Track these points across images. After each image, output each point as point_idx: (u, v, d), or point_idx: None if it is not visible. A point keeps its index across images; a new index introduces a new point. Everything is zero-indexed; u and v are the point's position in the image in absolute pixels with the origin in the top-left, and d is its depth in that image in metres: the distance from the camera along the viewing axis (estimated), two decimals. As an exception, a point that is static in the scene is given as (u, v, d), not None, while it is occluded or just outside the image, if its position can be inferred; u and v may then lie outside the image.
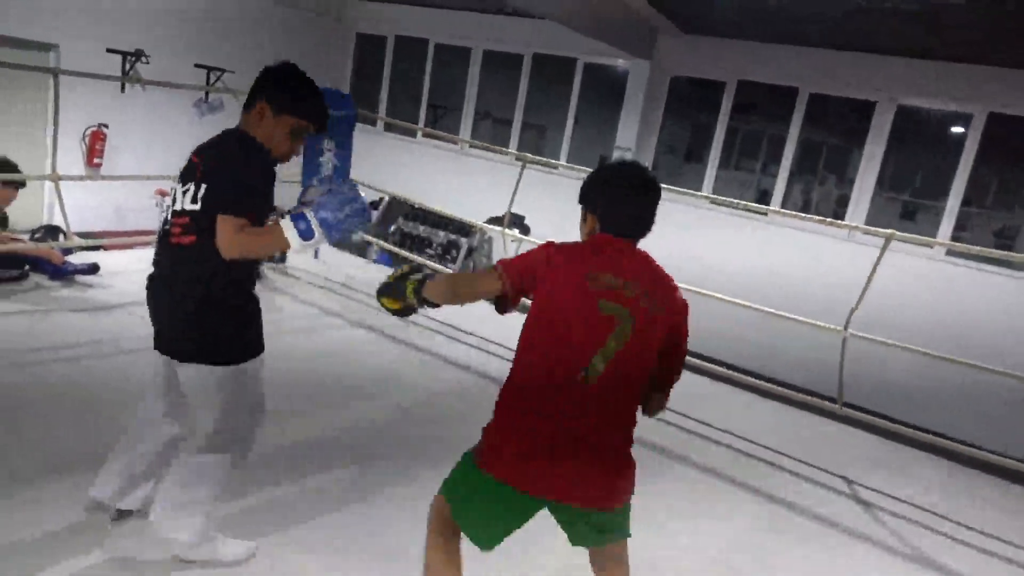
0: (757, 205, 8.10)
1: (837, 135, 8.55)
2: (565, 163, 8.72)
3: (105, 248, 5.83)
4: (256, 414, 2.39)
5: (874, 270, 4.32)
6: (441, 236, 9.42)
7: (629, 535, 1.97)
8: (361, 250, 8.45)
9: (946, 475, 4.27)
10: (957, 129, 7.54)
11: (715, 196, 8.03)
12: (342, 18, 10.71)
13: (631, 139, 8.88)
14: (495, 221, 7.19)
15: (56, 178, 4.89)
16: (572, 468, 1.81)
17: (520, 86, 9.67)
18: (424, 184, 9.00)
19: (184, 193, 2.18)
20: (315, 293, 5.72)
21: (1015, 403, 6.10)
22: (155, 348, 2.32)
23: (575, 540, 1.95)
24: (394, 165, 9.73)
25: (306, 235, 2.07)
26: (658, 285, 1.94)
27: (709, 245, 8.13)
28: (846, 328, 4.38)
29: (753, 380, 4.77)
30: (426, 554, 1.93)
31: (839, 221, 7.60)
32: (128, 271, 5.17)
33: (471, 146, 9.70)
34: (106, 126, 8.22)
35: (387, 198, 9.41)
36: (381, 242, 7.19)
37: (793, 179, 8.43)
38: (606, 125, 9.25)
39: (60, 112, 4.87)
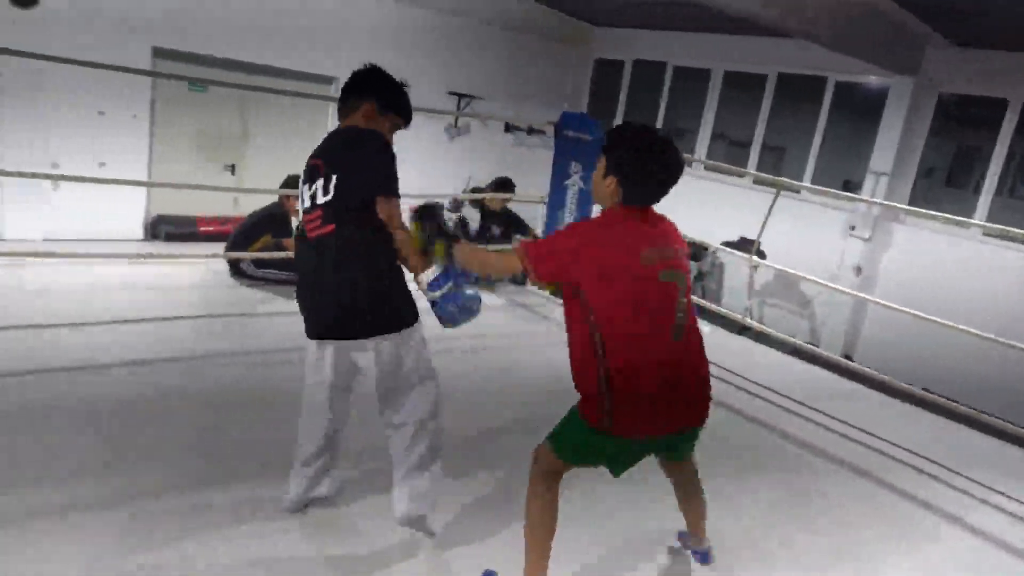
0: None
1: None
2: (810, 185, 8.22)
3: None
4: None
5: None
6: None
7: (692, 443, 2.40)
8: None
9: None
10: None
11: (989, 225, 7.12)
12: (584, 44, 11.01)
13: (888, 161, 8.15)
14: (727, 245, 6.95)
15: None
16: (685, 403, 2.19)
17: (761, 107, 9.30)
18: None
19: (312, 191, 2.36)
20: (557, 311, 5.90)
21: None
22: (322, 338, 2.43)
23: (673, 457, 2.46)
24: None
25: (439, 305, 2.35)
26: (677, 238, 2.28)
27: (976, 278, 7.24)
28: None
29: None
30: (532, 501, 2.24)
31: None
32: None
33: (706, 167, 9.48)
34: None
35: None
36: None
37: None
38: (857, 146, 8.59)
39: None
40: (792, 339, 5.80)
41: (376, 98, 2.45)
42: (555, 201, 5.92)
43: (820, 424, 4.37)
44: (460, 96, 9.65)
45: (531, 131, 9.86)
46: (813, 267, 7.84)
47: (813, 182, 8.65)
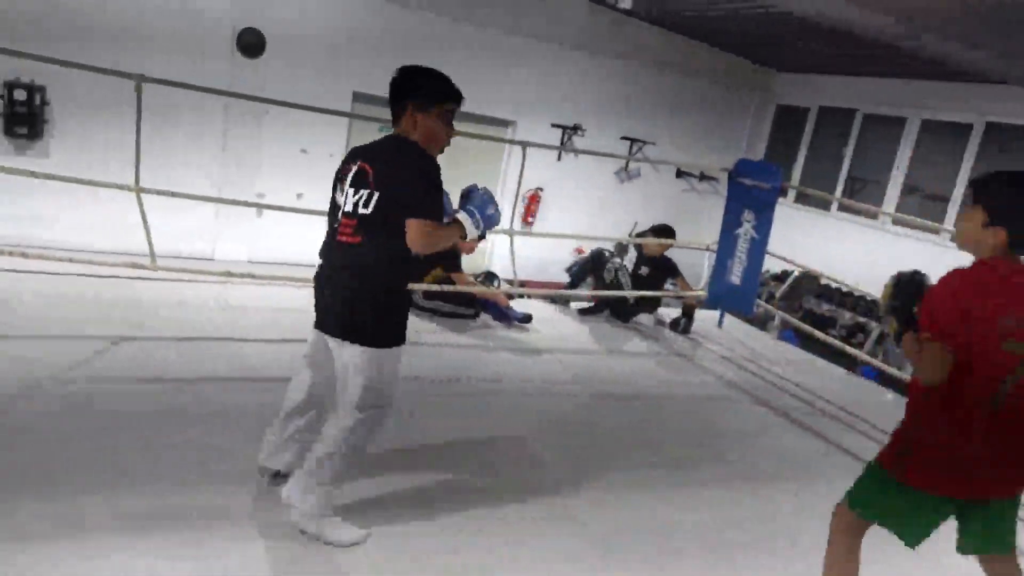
0: None
1: None
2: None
3: (528, 296, 6.55)
4: (386, 406, 2.58)
5: None
6: (847, 317, 8.67)
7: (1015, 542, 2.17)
8: (762, 323, 8.19)
9: None
10: None
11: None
12: (765, 90, 10.70)
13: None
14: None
15: (509, 233, 5.67)
16: (990, 472, 2.07)
17: (964, 157, 8.52)
18: (837, 261, 8.41)
19: (356, 197, 2.44)
20: (719, 364, 5.68)
21: None
22: (316, 328, 2.64)
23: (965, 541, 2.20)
24: (806, 238, 9.26)
25: (477, 225, 2.48)
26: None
27: None
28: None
29: None
30: (834, 558, 2.22)
31: None
32: (541, 318, 5.79)
33: (894, 221, 8.80)
34: (541, 189, 9.37)
35: (796, 272, 8.99)
36: (788, 317, 6.88)
37: None
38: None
39: (508, 176, 5.64)
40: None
41: (413, 98, 2.50)
42: (724, 249, 5.74)
43: None
44: (632, 140, 9.68)
45: (703, 177, 9.69)
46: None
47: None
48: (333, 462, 2.53)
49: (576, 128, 9.33)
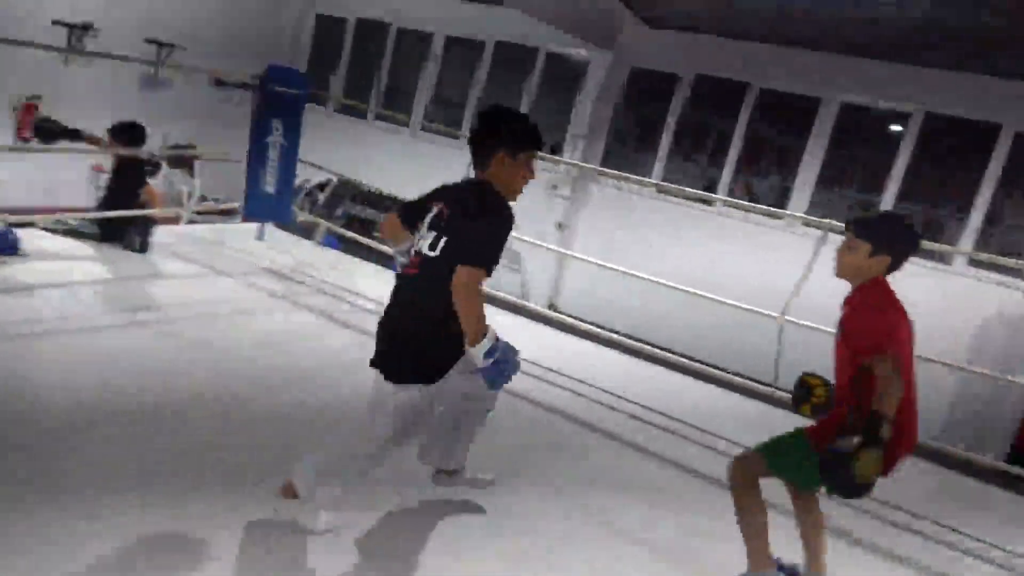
0: (704, 193, 8.27)
1: (783, 130, 8.74)
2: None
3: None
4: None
5: (812, 260, 4.51)
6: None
7: None
8: (307, 232, 8.38)
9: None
10: (896, 127, 7.80)
11: (664, 184, 8.17)
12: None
13: (584, 126, 8.96)
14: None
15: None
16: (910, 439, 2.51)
17: (478, 72, 9.67)
18: (373, 167, 8.96)
19: (430, 240, 2.48)
20: (263, 277, 5.68)
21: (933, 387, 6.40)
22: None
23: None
24: (343, 147, 9.63)
25: (487, 370, 2.42)
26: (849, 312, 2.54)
27: (657, 233, 8.30)
28: (783, 315, 4.61)
29: (689, 362, 4.97)
30: (745, 500, 2.59)
31: (781, 211, 7.81)
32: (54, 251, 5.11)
33: (423, 128, 9.69)
34: (39, 98, 7.96)
35: (335, 180, 9.34)
36: (330, 224, 7.16)
37: (739, 171, 8.62)
38: (562, 113, 9.32)
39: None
40: (502, 294, 6.17)
41: (505, 143, 2.51)
42: (256, 159, 5.63)
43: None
44: (160, 44, 8.76)
45: (243, 86, 9.29)
46: (522, 225, 8.43)
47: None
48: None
49: (86, 27, 8.07)
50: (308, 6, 10.68)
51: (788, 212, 7.83)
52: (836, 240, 2.85)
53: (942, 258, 7.37)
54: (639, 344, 5.24)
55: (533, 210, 8.95)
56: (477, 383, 2.53)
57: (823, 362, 2.70)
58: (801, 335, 4.54)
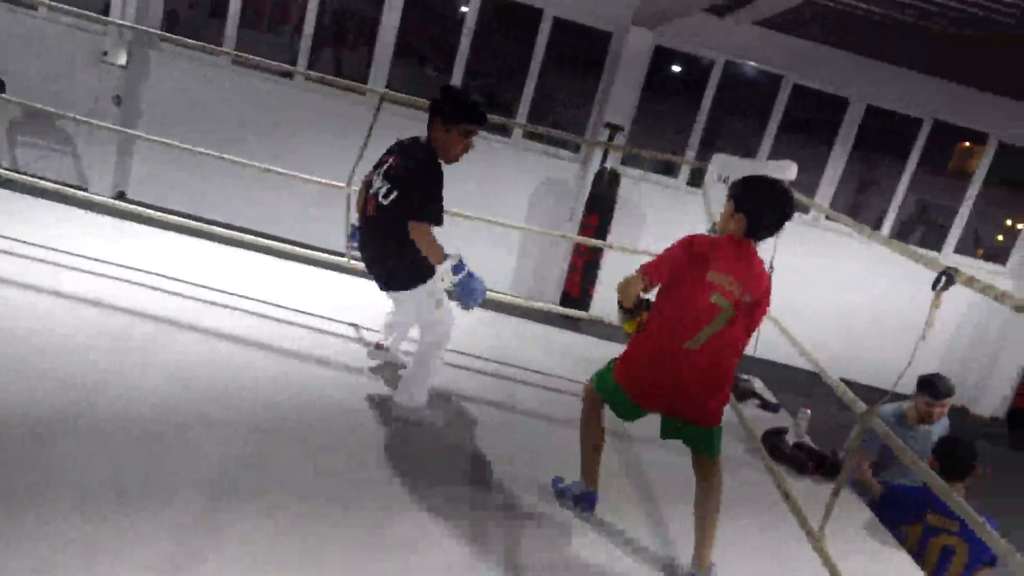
0: (284, 65, 7.84)
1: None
2: (48, 2, 7.11)
3: None
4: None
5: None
6: None
7: (713, 456, 2.71)
8: None
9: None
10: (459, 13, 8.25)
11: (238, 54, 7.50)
12: None
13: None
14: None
15: None
16: (670, 397, 2.67)
17: None
18: None
19: (381, 187, 3.11)
20: None
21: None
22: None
23: (665, 435, 2.80)
24: None
25: (457, 287, 3.02)
26: (754, 281, 2.59)
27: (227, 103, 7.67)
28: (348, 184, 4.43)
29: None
30: (584, 420, 2.91)
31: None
32: None
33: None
34: None
35: None
36: None
37: (316, 49, 8.32)
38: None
39: None
40: (56, 184, 5.10)
41: (440, 116, 3.09)
42: None
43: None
44: None
45: None
46: (68, 101, 7.11)
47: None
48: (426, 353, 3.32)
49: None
50: None
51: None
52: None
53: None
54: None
55: (80, 80, 7.58)
56: (433, 316, 3.23)
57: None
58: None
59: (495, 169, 8.25)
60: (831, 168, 8.85)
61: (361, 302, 4.34)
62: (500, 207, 7.73)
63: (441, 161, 3.13)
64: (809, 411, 4.13)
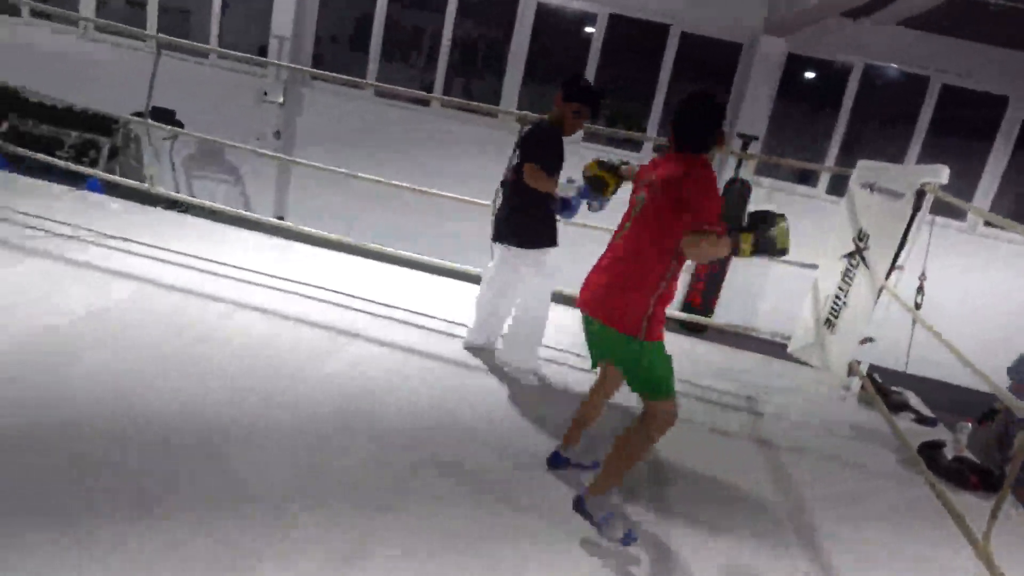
0: (422, 93, 8.31)
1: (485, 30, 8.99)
2: (218, 48, 7.95)
3: None
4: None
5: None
6: (73, 136, 8.12)
7: (649, 392, 2.54)
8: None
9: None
10: (589, 29, 8.45)
11: (381, 85, 8.04)
12: None
13: (287, 27, 8.37)
14: (139, 117, 6.38)
15: None
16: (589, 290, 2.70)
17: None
18: (37, 74, 7.59)
19: (513, 156, 3.75)
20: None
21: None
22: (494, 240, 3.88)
23: (590, 348, 2.77)
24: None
25: (566, 202, 3.54)
26: (665, 175, 2.52)
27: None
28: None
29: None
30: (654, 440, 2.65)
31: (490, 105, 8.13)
32: None
33: (98, 28, 8.35)
34: None
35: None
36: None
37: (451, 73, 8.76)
38: (259, 11, 8.59)
39: None
40: (222, 207, 5.72)
41: (562, 93, 3.62)
42: None
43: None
44: None
45: None
46: (234, 136, 7.84)
47: (222, 45, 8.42)
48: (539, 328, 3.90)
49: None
50: None
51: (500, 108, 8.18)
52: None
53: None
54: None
55: (245, 119, 8.34)
56: (543, 284, 3.76)
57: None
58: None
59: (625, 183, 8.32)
60: (990, 171, 8.26)
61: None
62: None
63: (559, 132, 3.64)
64: (970, 424, 3.91)
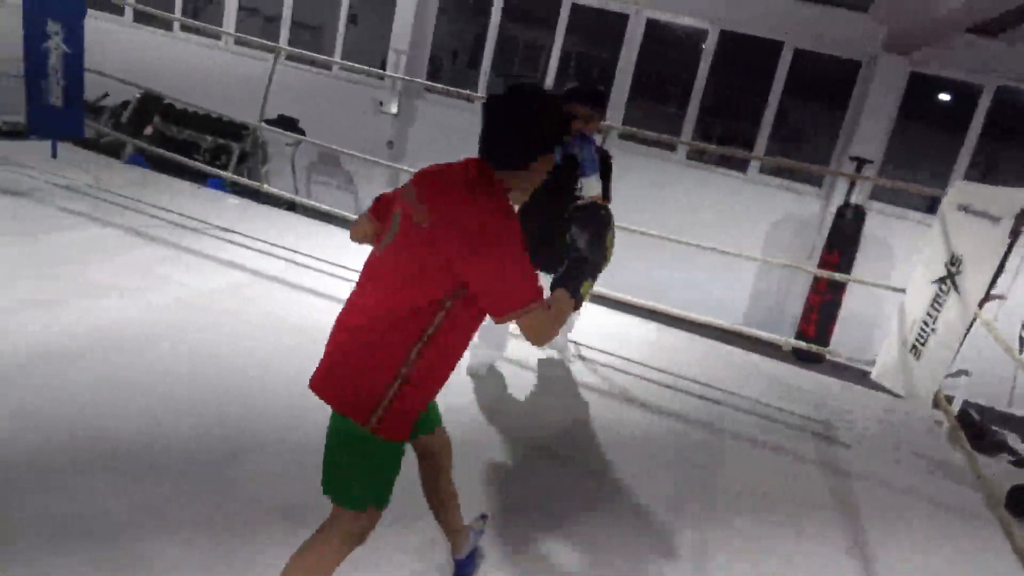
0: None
1: (594, 44, 9.09)
2: (339, 61, 8.48)
3: None
4: None
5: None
6: (209, 140, 8.88)
7: (340, 501, 1.77)
8: (114, 150, 7.76)
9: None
10: (696, 44, 8.37)
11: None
12: None
13: (406, 41, 8.82)
14: (269, 125, 6.93)
15: None
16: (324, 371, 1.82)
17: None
18: (182, 82, 8.37)
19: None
20: (59, 195, 5.24)
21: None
22: None
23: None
24: (145, 59, 8.91)
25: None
26: (442, 210, 1.71)
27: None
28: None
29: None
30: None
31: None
32: None
33: (236, 42, 9.11)
34: None
35: (137, 95, 8.64)
36: (137, 142, 6.67)
37: (559, 87, 8.91)
38: (382, 26, 9.09)
39: None
40: (337, 211, 6.11)
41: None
42: (34, 68, 5.04)
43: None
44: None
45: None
46: (351, 144, 8.31)
47: (345, 59, 8.97)
48: None
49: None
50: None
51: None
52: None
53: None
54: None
55: (360, 128, 8.82)
56: None
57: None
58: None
59: (732, 201, 8.19)
60: None
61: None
62: (735, 240, 7.62)
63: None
64: (1071, 469, 3.59)
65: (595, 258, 1.87)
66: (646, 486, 3.03)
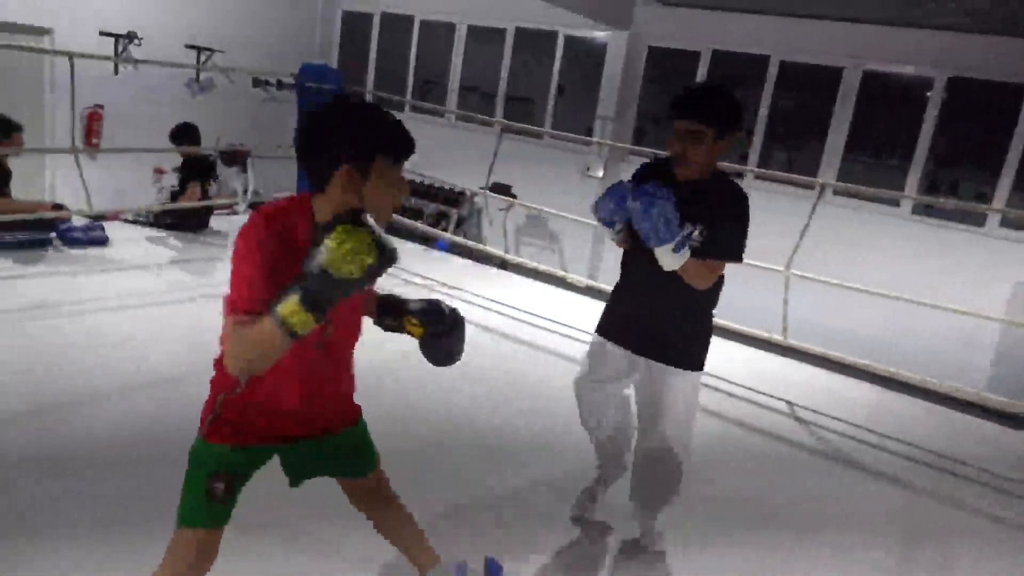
0: (737, 166, 8.43)
1: (806, 100, 8.86)
2: (550, 131, 9.00)
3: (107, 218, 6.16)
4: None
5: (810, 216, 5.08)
6: (431, 207, 9.74)
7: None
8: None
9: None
10: (920, 93, 7.90)
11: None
12: (328, -4, 10.91)
13: (611, 108, 9.18)
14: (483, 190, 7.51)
15: (75, 151, 5.24)
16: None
17: (503, 59, 9.94)
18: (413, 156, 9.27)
19: None
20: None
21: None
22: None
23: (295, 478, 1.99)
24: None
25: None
26: None
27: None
28: (787, 268, 5.09)
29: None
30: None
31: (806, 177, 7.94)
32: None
33: (458, 118, 9.98)
34: (101, 107, 8.46)
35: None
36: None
37: (765, 144, 8.77)
38: (588, 95, 9.55)
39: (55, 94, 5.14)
40: (545, 267, 6.48)
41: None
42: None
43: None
44: (200, 49, 9.20)
45: (280, 85, 9.68)
46: (558, 207, 8.73)
47: (555, 128, 9.50)
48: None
49: (131, 36, 8.53)
50: (334, 3, 11.03)
51: (814, 179, 7.97)
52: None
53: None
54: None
55: (567, 193, 9.26)
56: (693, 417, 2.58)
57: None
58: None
59: (968, 257, 7.55)
60: None
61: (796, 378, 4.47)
62: (969, 300, 6.98)
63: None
64: None
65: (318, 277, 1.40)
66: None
